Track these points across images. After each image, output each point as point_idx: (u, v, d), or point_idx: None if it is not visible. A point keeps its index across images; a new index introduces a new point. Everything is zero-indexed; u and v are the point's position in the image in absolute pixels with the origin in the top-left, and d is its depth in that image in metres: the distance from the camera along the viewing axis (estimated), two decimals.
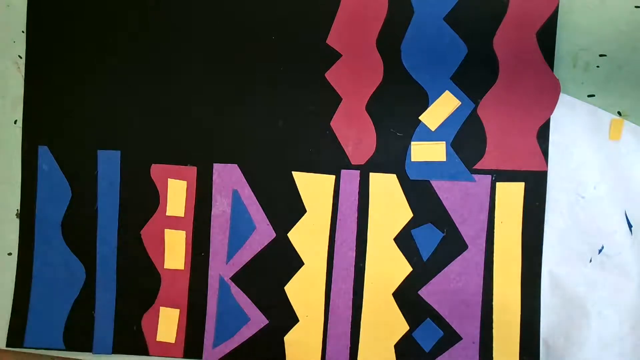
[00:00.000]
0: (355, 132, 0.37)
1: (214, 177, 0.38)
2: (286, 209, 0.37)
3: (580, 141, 0.36)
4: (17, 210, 0.40)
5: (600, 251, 0.36)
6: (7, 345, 0.39)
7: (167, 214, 0.38)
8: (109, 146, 0.38)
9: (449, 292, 0.36)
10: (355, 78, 0.37)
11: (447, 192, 0.36)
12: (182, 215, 0.38)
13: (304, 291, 0.37)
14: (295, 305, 0.38)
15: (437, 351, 0.37)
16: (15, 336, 0.39)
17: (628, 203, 0.36)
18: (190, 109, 0.38)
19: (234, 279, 0.38)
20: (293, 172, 0.37)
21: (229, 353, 0.38)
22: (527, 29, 0.35)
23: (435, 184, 0.36)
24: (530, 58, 0.35)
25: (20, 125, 0.40)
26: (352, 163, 0.37)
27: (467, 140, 0.36)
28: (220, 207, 0.38)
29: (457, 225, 0.36)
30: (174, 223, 0.38)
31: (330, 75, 0.37)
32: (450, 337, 0.37)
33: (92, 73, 0.39)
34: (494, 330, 0.36)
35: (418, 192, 0.37)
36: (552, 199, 0.36)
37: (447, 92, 0.36)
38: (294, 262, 0.38)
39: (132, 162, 0.38)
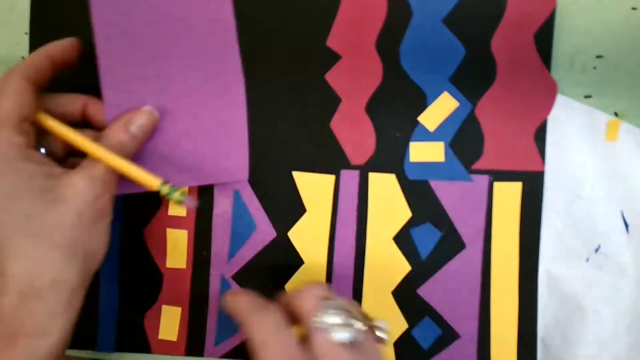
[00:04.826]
0: (354, 132, 0.37)
1: None
2: (286, 208, 0.38)
3: (577, 142, 0.36)
4: None
5: (597, 250, 0.36)
6: None
7: (169, 213, 0.38)
8: None
9: (447, 291, 0.37)
10: (354, 79, 0.37)
11: (446, 192, 0.37)
12: (184, 214, 0.38)
13: None
14: None
15: (435, 349, 0.37)
16: None
17: (624, 203, 0.36)
18: None
19: (235, 277, 0.38)
20: (293, 172, 0.38)
21: (230, 350, 0.38)
22: (524, 31, 0.36)
23: (433, 184, 0.37)
24: (527, 59, 0.36)
25: None
26: (352, 163, 0.37)
27: (465, 140, 0.37)
28: (222, 207, 0.38)
29: (455, 224, 0.37)
30: (176, 223, 0.38)
31: (330, 77, 0.37)
32: (449, 336, 0.37)
33: (94, 75, 0.39)
34: (491, 329, 0.37)
35: (417, 192, 0.37)
36: (549, 198, 0.36)
37: (445, 93, 0.36)
38: (294, 261, 0.38)
39: None
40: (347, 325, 0.29)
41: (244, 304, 0.31)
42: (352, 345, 0.28)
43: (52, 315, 0.29)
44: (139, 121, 0.34)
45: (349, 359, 0.28)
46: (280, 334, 0.29)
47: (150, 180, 0.33)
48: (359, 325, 0.29)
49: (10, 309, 0.28)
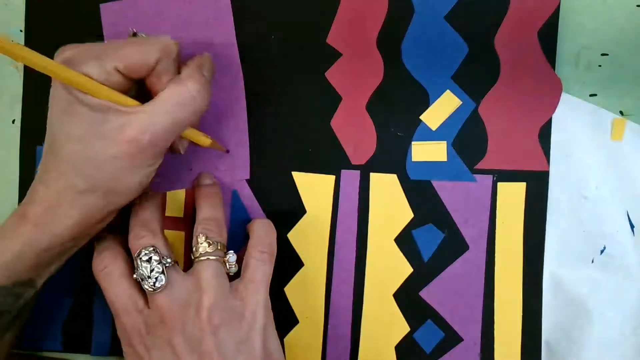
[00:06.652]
0: (355, 131, 0.37)
1: None
2: (286, 209, 0.37)
3: (582, 141, 0.35)
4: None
5: (602, 252, 0.35)
6: None
7: (166, 214, 0.38)
8: None
9: (450, 293, 0.36)
10: (355, 77, 0.36)
11: (448, 192, 0.36)
12: (182, 215, 0.38)
13: (304, 292, 0.37)
14: (295, 306, 0.37)
15: (438, 353, 0.36)
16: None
17: (630, 203, 0.35)
18: None
19: None
20: (293, 172, 0.37)
21: None
22: (528, 28, 0.35)
23: (436, 184, 0.36)
24: (531, 57, 0.35)
25: (19, 125, 0.39)
26: (352, 163, 0.37)
27: (468, 140, 0.36)
28: None
29: (458, 225, 0.36)
30: (173, 224, 0.38)
31: (330, 75, 0.36)
32: (452, 339, 0.36)
33: None
34: (495, 332, 0.36)
35: (419, 192, 0.36)
36: (553, 199, 0.36)
37: (448, 91, 0.36)
38: (293, 263, 0.37)
39: None
40: (155, 271, 0.30)
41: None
42: (168, 285, 0.31)
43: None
44: (207, 65, 0.33)
45: (165, 301, 0.30)
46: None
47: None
48: (161, 266, 0.31)
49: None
